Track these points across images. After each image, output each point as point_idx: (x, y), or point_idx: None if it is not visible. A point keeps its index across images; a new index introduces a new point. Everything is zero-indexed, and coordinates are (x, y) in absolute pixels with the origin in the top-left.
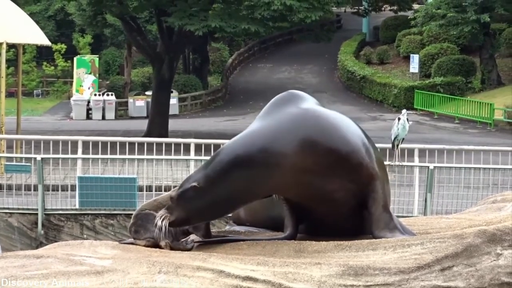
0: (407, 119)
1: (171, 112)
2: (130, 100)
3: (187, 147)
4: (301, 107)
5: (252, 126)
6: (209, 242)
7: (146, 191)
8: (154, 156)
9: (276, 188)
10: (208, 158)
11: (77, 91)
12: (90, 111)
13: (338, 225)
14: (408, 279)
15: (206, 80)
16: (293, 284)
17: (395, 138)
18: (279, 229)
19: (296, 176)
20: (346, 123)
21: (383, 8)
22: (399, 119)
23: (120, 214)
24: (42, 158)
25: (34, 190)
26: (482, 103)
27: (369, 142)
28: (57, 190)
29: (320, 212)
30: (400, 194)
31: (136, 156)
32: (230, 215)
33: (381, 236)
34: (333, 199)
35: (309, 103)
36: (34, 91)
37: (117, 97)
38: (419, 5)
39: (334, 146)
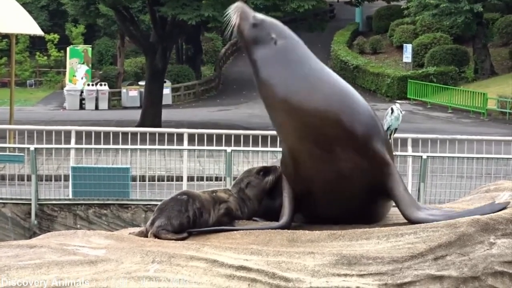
0: (401, 110)
1: (164, 102)
2: (123, 90)
3: (180, 137)
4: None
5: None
6: (203, 232)
7: (140, 181)
8: (148, 146)
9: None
10: (201, 148)
11: (70, 81)
12: (83, 101)
13: (343, 211)
14: (401, 268)
15: (199, 70)
16: (286, 273)
17: (387, 129)
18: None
19: (299, 128)
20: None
21: None
22: (392, 110)
23: (114, 204)
24: (35, 148)
25: (28, 180)
26: (475, 92)
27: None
28: (51, 180)
29: (328, 192)
30: None
31: (129, 146)
32: None
33: (409, 214)
34: (342, 175)
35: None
36: (27, 81)
37: (110, 87)
38: None
39: (345, 118)
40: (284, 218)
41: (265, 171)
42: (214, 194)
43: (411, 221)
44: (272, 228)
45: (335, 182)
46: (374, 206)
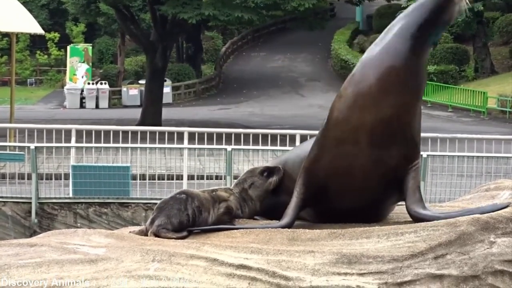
0: None
1: (164, 100)
2: (124, 88)
3: (180, 135)
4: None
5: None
6: (204, 230)
7: (140, 179)
8: (148, 145)
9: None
10: (201, 146)
11: (70, 79)
12: (83, 100)
13: (365, 205)
14: (401, 267)
15: (199, 69)
16: (286, 272)
17: None
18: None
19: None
20: None
21: None
22: None
23: (114, 203)
24: (35, 147)
25: (28, 178)
26: (476, 91)
27: None
28: (51, 179)
29: (359, 186)
30: None
31: (129, 145)
32: None
33: (412, 208)
34: (383, 170)
35: None
36: (28, 80)
37: (110, 86)
38: None
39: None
40: (286, 219)
41: (269, 171)
42: (214, 193)
43: (412, 217)
44: (273, 228)
45: (372, 177)
46: (390, 201)
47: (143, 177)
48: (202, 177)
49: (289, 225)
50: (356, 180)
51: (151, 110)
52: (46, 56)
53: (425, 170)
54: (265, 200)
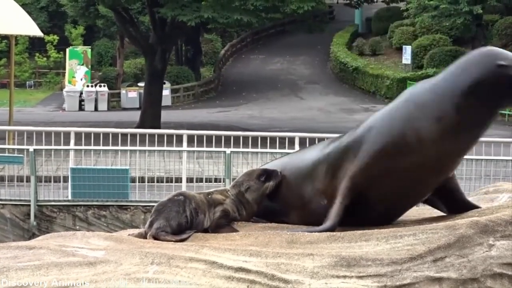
0: None
1: (163, 103)
2: (123, 91)
3: (179, 138)
4: None
5: None
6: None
7: (139, 182)
8: (147, 148)
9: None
10: (200, 149)
11: (69, 82)
12: (82, 103)
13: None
14: (400, 270)
15: (198, 72)
16: (285, 275)
17: None
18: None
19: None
20: None
21: (375, 0)
22: None
23: (113, 206)
24: (34, 150)
25: (27, 181)
26: None
27: None
28: (50, 182)
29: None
30: None
31: (128, 148)
32: None
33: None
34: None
35: None
36: (27, 82)
37: (109, 88)
38: None
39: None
40: (329, 222)
41: (266, 175)
42: (209, 196)
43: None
44: (316, 231)
45: (419, 193)
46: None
47: (142, 179)
48: (201, 180)
49: (332, 229)
50: (410, 198)
51: (150, 113)
52: (45, 59)
53: None
54: (262, 203)
